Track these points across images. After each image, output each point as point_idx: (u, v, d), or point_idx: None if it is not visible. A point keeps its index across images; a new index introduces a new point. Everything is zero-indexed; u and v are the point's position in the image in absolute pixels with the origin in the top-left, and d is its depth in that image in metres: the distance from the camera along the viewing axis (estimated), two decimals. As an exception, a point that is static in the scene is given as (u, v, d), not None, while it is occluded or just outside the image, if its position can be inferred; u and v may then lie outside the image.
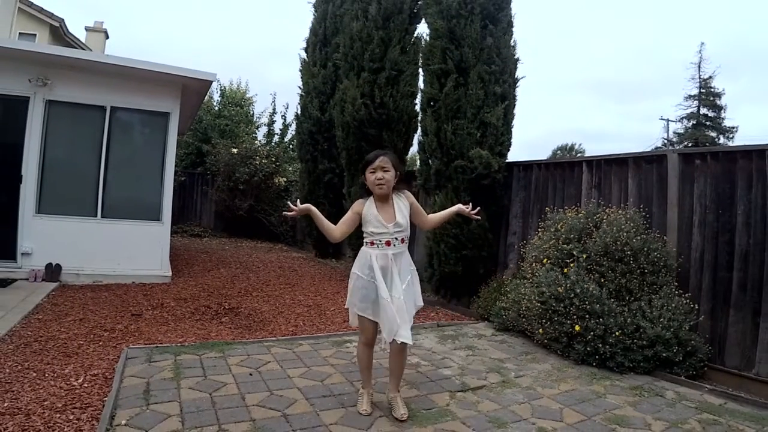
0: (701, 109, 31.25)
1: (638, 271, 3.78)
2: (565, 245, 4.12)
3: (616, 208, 4.21)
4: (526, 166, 5.53)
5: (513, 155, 5.67)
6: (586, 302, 3.63)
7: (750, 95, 51.22)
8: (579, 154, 33.43)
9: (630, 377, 3.47)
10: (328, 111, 8.35)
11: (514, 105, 5.66)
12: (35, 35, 13.72)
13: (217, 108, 15.13)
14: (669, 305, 3.62)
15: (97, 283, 5.87)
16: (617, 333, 3.54)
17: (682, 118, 32.04)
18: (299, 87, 9.28)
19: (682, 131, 31.92)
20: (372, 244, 2.65)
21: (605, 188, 4.62)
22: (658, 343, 3.48)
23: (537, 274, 4.13)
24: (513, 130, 5.66)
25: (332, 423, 2.56)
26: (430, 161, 5.71)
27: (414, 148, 7.35)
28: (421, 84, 6.27)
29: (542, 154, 60.35)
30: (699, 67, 31.17)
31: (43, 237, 5.84)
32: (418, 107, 6.73)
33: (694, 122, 31.35)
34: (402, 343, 2.52)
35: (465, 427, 2.61)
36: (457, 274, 5.55)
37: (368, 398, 2.73)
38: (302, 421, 2.57)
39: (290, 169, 13.97)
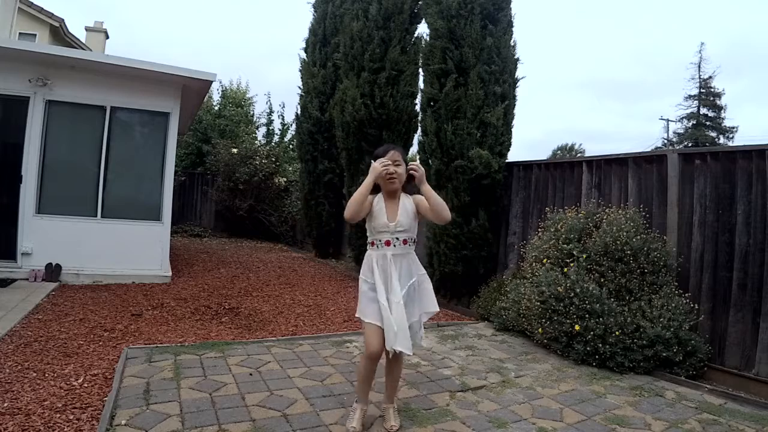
0: (701, 109, 31.27)
1: (638, 270, 3.78)
2: (565, 245, 4.12)
3: (616, 208, 4.21)
4: (526, 166, 5.53)
5: (513, 155, 5.68)
6: (586, 302, 3.63)
7: (751, 95, 51.30)
8: (579, 154, 33.43)
9: (630, 377, 3.47)
10: (328, 111, 8.36)
11: (514, 105, 5.66)
12: (35, 35, 13.73)
13: (217, 108, 15.14)
14: (669, 305, 3.62)
15: (97, 283, 5.87)
16: (617, 333, 3.54)
17: (682, 118, 32.09)
18: (299, 87, 9.30)
19: (682, 131, 31.95)
20: (372, 244, 2.55)
21: (605, 188, 4.62)
22: (658, 343, 3.48)
23: (537, 273, 4.13)
24: (513, 130, 5.67)
25: (332, 423, 2.56)
26: (430, 161, 5.71)
27: (414, 148, 7.37)
28: (421, 84, 6.28)
29: (542, 154, 60.46)
30: (699, 67, 31.24)
31: (43, 237, 5.85)
32: (418, 107, 6.74)
33: (694, 122, 31.37)
34: (399, 352, 2.38)
35: (465, 427, 2.61)
36: (457, 274, 5.56)
37: (360, 415, 2.51)
38: (302, 421, 2.57)
39: (290, 169, 13.98)
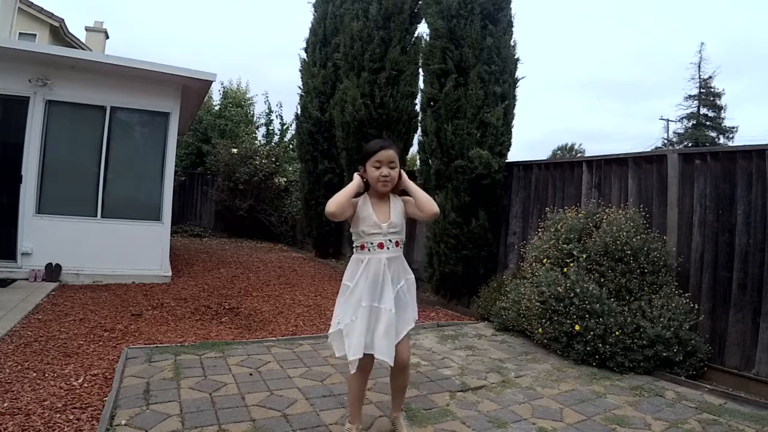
0: (701, 109, 31.28)
1: (638, 270, 3.78)
2: (565, 245, 4.12)
3: (616, 208, 4.21)
4: (526, 166, 5.53)
5: (513, 155, 5.68)
6: (586, 302, 3.63)
7: (751, 95, 51.32)
8: (579, 154, 33.44)
9: (630, 377, 3.47)
10: (328, 111, 8.35)
11: (514, 105, 5.66)
12: (35, 35, 13.74)
13: (217, 108, 15.14)
14: (669, 305, 3.62)
15: (97, 283, 5.87)
16: (617, 333, 3.54)
17: (682, 118, 32.12)
18: (299, 87, 9.29)
19: (682, 131, 31.97)
20: (363, 248, 2.34)
21: (605, 188, 4.62)
22: (658, 343, 3.48)
23: (537, 273, 4.13)
24: (513, 130, 5.67)
25: (332, 423, 2.56)
26: (430, 161, 5.71)
27: (414, 148, 7.37)
28: (421, 84, 6.27)
29: (542, 154, 60.47)
30: (699, 67, 31.26)
31: (43, 237, 5.85)
32: (418, 107, 6.74)
33: (694, 122, 31.39)
34: (403, 360, 2.30)
35: (465, 427, 2.61)
36: (457, 274, 5.56)
37: None
38: (302, 421, 2.57)
39: (290, 169, 13.98)
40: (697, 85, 31.37)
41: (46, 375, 2.99)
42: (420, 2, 6.66)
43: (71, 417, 2.48)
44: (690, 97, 31.71)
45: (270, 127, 15.72)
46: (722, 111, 30.99)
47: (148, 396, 2.74)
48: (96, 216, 6.14)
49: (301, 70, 9.23)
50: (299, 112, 9.31)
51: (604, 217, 4.11)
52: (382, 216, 2.35)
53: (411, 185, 2.38)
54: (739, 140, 30.12)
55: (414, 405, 2.83)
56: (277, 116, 15.80)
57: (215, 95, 15.65)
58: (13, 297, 4.75)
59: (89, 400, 2.68)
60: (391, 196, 2.44)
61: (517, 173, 5.62)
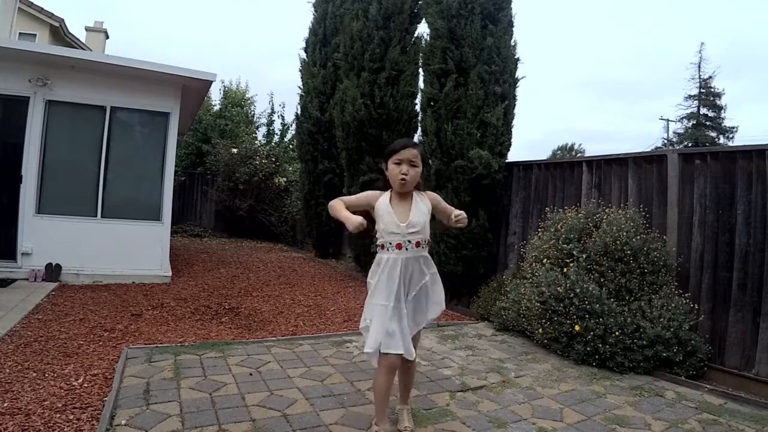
0: (701, 109, 31.28)
1: (638, 270, 3.78)
2: (564, 245, 4.12)
3: (616, 208, 4.21)
4: (526, 166, 5.53)
5: (513, 155, 5.69)
6: (586, 302, 3.63)
7: (751, 95, 51.33)
8: (579, 154, 33.47)
9: (630, 377, 3.47)
10: (328, 111, 8.36)
11: (515, 105, 5.67)
12: (35, 35, 13.73)
13: (217, 108, 15.14)
14: (669, 305, 3.62)
15: (97, 283, 5.87)
16: (617, 333, 3.54)
17: (682, 118, 32.12)
18: (299, 87, 9.30)
19: (682, 131, 31.97)
20: (383, 247, 2.35)
21: (605, 188, 4.62)
22: (658, 343, 3.48)
23: (537, 274, 4.13)
24: (513, 130, 5.68)
25: (332, 423, 2.56)
26: (430, 161, 5.71)
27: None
28: (421, 84, 6.28)
29: (542, 154, 60.47)
30: (699, 67, 31.27)
31: (43, 237, 5.84)
32: (418, 107, 6.74)
33: (694, 122, 31.39)
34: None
35: (465, 427, 2.61)
36: (457, 274, 5.55)
37: None
38: (302, 421, 2.57)
39: (290, 169, 13.98)
40: (697, 85, 31.40)
41: (46, 375, 2.99)
42: (420, 2, 6.66)
43: (71, 417, 2.48)
44: (690, 97, 31.74)
45: (271, 128, 15.73)
46: (722, 111, 31.00)
47: (148, 396, 2.73)
48: (96, 216, 6.14)
49: (301, 70, 9.24)
50: (299, 112, 9.31)
51: (604, 217, 4.11)
52: (402, 216, 2.33)
53: (445, 206, 2.45)
54: (739, 140, 30.18)
55: (414, 405, 2.83)
56: (279, 116, 15.84)
57: (215, 95, 15.67)
58: (13, 297, 4.75)
59: (89, 400, 2.68)
60: (416, 194, 2.40)
61: (517, 173, 5.62)
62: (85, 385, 2.88)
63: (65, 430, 2.36)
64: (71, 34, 15.17)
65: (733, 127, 30.79)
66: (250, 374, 3.16)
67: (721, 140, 30.11)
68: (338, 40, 7.89)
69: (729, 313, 3.57)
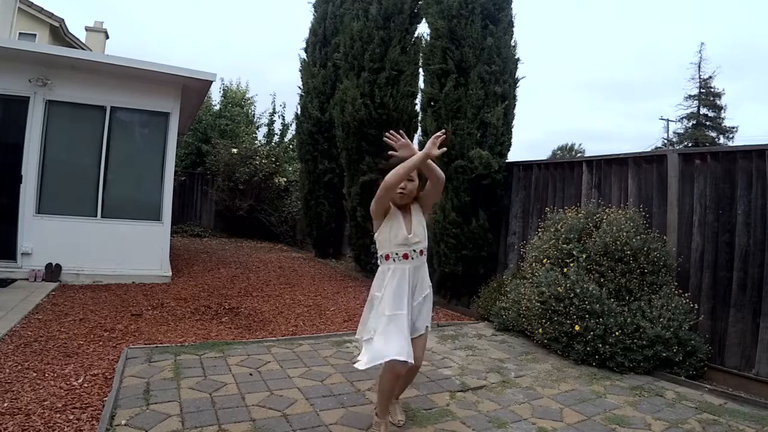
0: (701, 109, 31.28)
1: (638, 270, 3.78)
2: (565, 245, 4.12)
3: (616, 208, 4.21)
4: (526, 166, 5.53)
5: (513, 155, 5.69)
6: (586, 302, 3.63)
7: (751, 95, 51.28)
8: (579, 154, 33.48)
9: (630, 377, 3.47)
10: (328, 111, 8.36)
11: (515, 105, 5.66)
12: (35, 35, 13.72)
13: (217, 108, 15.14)
14: (669, 305, 3.62)
15: (97, 283, 5.87)
16: (617, 333, 3.54)
17: (682, 118, 32.11)
18: (299, 87, 9.30)
19: (682, 131, 31.96)
20: (387, 258, 2.41)
21: (605, 188, 4.62)
22: (658, 343, 3.48)
23: (537, 274, 4.13)
24: (513, 130, 5.67)
25: (332, 423, 2.56)
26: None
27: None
28: (421, 84, 6.28)
29: (542, 154, 60.45)
30: (699, 67, 31.26)
31: (43, 237, 5.84)
32: (418, 107, 6.74)
33: (694, 122, 31.39)
34: (418, 358, 2.41)
35: (465, 427, 2.61)
36: (457, 274, 5.56)
37: (385, 428, 2.45)
38: (302, 421, 2.57)
39: (290, 169, 13.98)
40: (697, 85, 31.39)
41: (46, 375, 2.99)
42: (420, 2, 6.66)
43: (71, 417, 2.48)
44: (690, 97, 31.73)
45: (272, 127, 15.73)
46: (722, 111, 30.99)
47: (148, 396, 2.74)
48: (96, 216, 6.14)
49: (301, 70, 9.24)
50: (299, 112, 9.31)
51: (604, 217, 4.11)
52: (407, 227, 2.42)
53: (430, 163, 2.36)
54: (739, 140, 30.15)
55: (414, 405, 2.83)
56: (279, 116, 15.84)
57: (215, 95, 15.66)
58: (13, 297, 4.75)
59: (89, 400, 2.68)
60: (412, 206, 2.49)
61: (517, 173, 5.62)
62: (85, 385, 2.88)
63: (65, 430, 2.36)
64: (71, 34, 15.16)
65: (733, 127, 30.81)
66: (250, 374, 3.16)
67: (721, 140, 30.11)
68: (338, 40, 7.88)
69: (729, 313, 3.57)
